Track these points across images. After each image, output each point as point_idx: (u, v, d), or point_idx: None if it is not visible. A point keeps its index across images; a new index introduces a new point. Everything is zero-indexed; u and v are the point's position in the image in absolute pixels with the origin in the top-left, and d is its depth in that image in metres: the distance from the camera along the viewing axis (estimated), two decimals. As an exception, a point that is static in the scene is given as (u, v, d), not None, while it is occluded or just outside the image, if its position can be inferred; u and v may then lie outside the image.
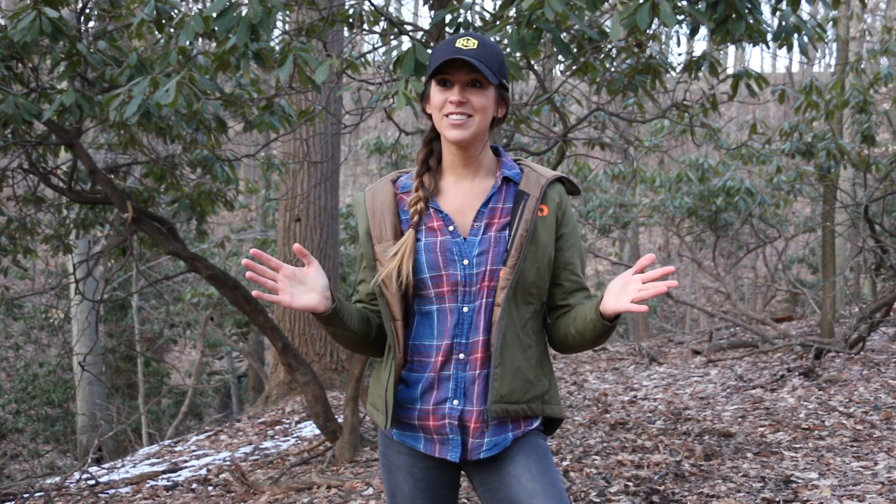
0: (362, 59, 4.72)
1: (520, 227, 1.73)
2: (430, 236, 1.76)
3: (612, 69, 4.75)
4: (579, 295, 1.81)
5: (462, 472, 1.88)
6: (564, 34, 3.92)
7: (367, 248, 1.80)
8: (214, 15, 3.13)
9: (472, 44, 1.70)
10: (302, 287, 1.71)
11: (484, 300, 1.73)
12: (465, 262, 1.73)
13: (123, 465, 6.51)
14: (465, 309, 1.73)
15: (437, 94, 1.73)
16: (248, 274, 1.68)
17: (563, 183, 1.84)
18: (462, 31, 3.65)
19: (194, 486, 5.17)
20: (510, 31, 3.16)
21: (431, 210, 1.77)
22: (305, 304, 1.70)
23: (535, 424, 1.82)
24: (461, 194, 1.79)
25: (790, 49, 3.71)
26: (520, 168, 1.82)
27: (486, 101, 1.73)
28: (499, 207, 1.77)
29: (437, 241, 1.75)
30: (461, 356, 1.74)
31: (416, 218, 1.75)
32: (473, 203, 1.78)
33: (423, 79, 3.22)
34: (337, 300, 1.74)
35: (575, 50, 4.14)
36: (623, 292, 1.62)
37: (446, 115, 1.72)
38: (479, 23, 4.09)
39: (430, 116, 1.81)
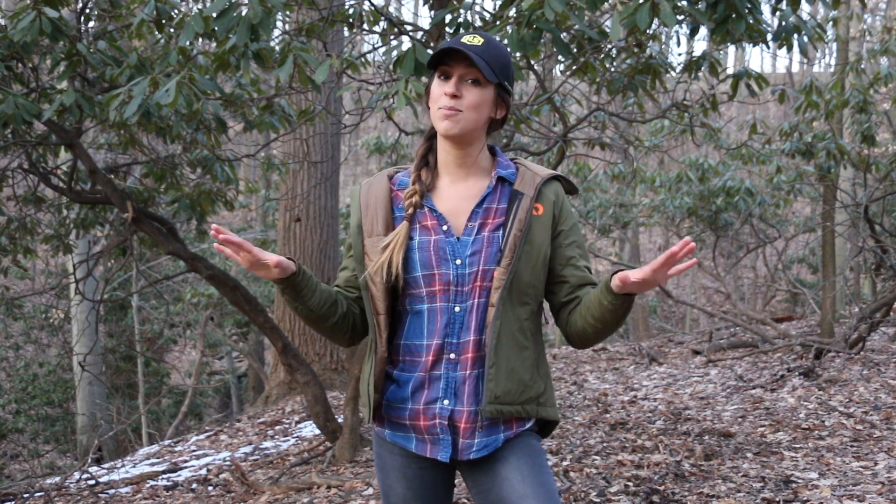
0: (362, 59, 4.72)
1: (514, 227, 1.73)
2: (424, 235, 1.76)
3: (612, 69, 4.75)
4: (588, 288, 1.79)
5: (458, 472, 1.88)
6: (564, 34, 3.92)
7: (357, 240, 1.80)
8: (214, 15, 3.13)
9: (477, 41, 1.71)
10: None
11: (476, 300, 1.73)
12: (458, 261, 1.73)
13: (123, 465, 6.51)
14: (457, 309, 1.73)
15: (435, 87, 1.74)
16: (216, 246, 1.66)
17: (560, 181, 1.84)
18: (462, 31, 3.65)
19: (194, 486, 5.17)
20: (510, 31, 3.16)
21: (426, 209, 1.77)
22: (261, 271, 1.69)
23: (528, 425, 1.81)
24: (456, 194, 1.79)
25: (790, 49, 3.71)
26: (515, 167, 1.82)
27: (481, 100, 1.73)
28: (493, 208, 1.77)
29: (430, 240, 1.75)
30: (452, 356, 1.74)
31: (410, 210, 1.76)
32: (468, 203, 1.78)
33: (424, 79, 3.23)
34: (300, 274, 1.73)
35: (575, 50, 4.14)
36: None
37: (439, 107, 1.72)
38: (478, 23, 4.09)
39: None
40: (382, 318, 1.77)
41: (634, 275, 1.59)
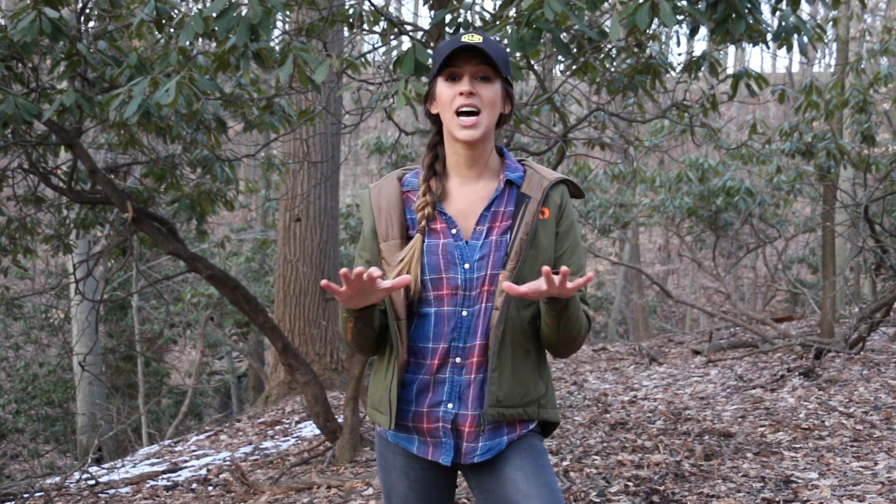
0: (362, 59, 4.72)
1: (520, 231, 1.72)
2: (433, 238, 1.74)
3: (612, 69, 4.75)
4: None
5: (460, 473, 1.88)
6: (564, 34, 3.92)
7: (373, 246, 1.78)
8: (214, 15, 3.13)
9: (477, 38, 1.69)
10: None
11: (483, 304, 1.72)
12: (466, 265, 1.72)
13: (123, 465, 6.51)
14: (465, 313, 1.72)
15: (445, 89, 1.71)
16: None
17: (567, 185, 1.82)
18: (462, 30, 3.65)
19: (194, 486, 5.17)
20: (510, 31, 3.16)
21: (436, 211, 1.76)
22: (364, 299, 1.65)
23: (531, 427, 1.80)
24: (465, 197, 1.77)
25: (790, 49, 3.71)
26: (523, 170, 1.80)
27: (495, 96, 1.72)
28: (501, 211, 1.75)
29: (439, 243, 1.73)
30: (458, 360, 1.73)
31: (423, 223, 1.74)
32: (477, 206, 1.76)
33: (424, 79, 3.23)
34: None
35: (575, 50, 4.14)
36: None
37: (456, 112, 1.69)
38: (478, 23, 4.09)
39: (433, 120, 1.79)
40: (403, 324, 1.75)
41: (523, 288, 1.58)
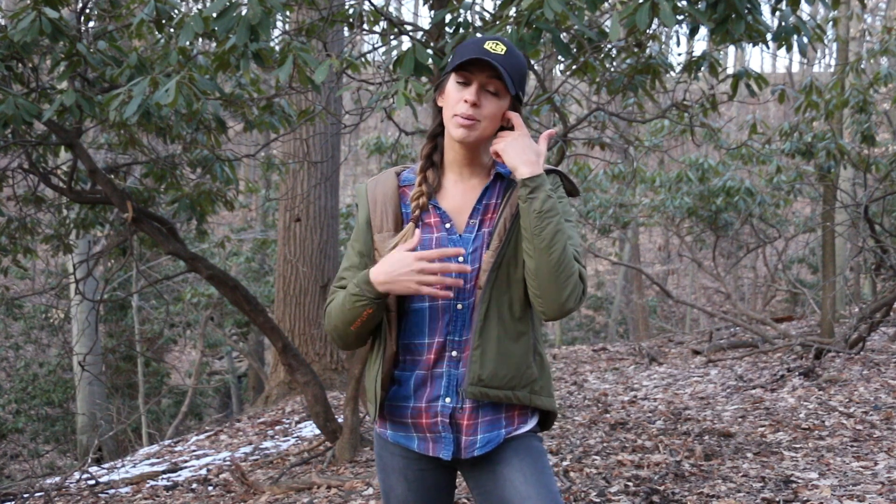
0: (362, 59, 4.72)
1: (504, 212, 1.73)
2: (427, 232, 1.76)
3: (612, 69, 4.75)
4: None
5: (459, 473, 1.88)
6: (564, 34, 3.92)
7: (367, 236, 1.80)
8: (214, 15, 3.13)
9: (500, 49, 1.69)
10: None
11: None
12: (460, 259, 1.73)
13: (123, 465, 6.51)
14: (459, 306, 1.73)
15: (453, 91, 1.72)
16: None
17: (560, 177, 1.82)
18: (462, 30, 3.65)
19: (194, 486, 5.17)
20: (510, 31, 3.16)
21: (430, 206, 1.77)
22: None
23: (531, 426, 1.80)
24: (460, 192, 1.79)
25: (790, 49, 3.71)
26: None
27: (498, 111, 1.72)
28: (492, 203, 1.77)
29: (433, 237, 1.75)
30: (454, 353, 1.74)
31: (417, 212, 1.75)
32: (470, 202, 1.78)
33: (424, 79, 3.23)
34: None
35: (575, 50, 4.14)
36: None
37: (455, 114, 1.71)
38: (478, 23, 4.09)
39: (439, 110, 1.80)
40: (392, 316, 1.76)
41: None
